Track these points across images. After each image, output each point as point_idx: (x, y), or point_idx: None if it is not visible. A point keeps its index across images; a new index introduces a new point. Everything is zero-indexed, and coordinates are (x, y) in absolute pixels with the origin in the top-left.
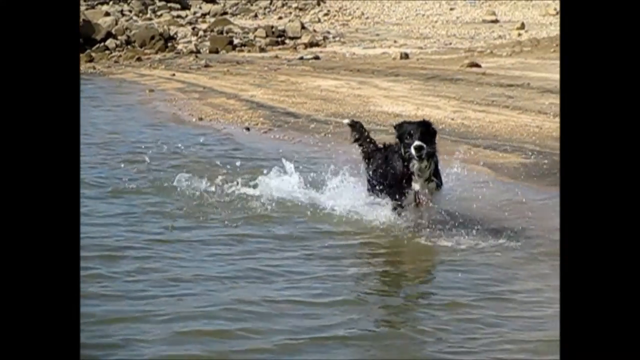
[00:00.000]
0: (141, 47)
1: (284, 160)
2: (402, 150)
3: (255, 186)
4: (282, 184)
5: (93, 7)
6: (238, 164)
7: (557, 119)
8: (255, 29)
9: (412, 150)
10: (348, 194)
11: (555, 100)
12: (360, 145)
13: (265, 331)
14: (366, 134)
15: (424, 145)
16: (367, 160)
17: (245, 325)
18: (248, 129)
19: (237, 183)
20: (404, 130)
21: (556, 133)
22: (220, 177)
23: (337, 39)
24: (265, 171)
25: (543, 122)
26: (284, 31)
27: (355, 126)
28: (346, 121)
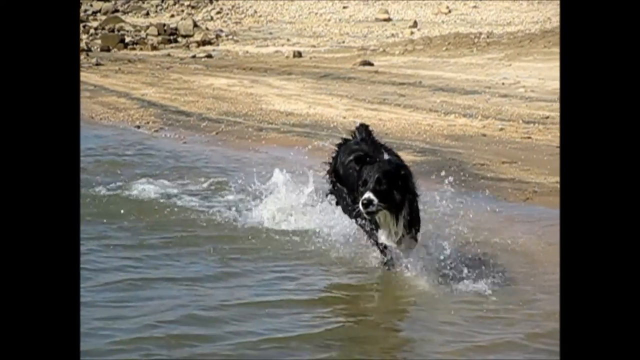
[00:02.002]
0: None
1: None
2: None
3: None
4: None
5: None
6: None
7: (448, 117)
8: (147, 27)
9: (360, 206)
10: None
11: (447, 98)
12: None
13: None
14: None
15: (374, 200)
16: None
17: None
18: (138, 127)
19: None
20: (360, 170)
21: (447, 131)
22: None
23: (230, 37)
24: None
25: (434, 120)
26: (176, 29)
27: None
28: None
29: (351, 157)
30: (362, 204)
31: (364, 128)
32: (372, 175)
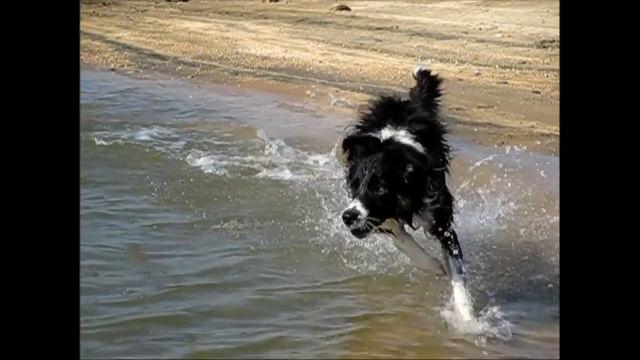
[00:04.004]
0: None
1: None
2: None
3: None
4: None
5: None
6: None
7: (425, 62)
8: None
9: (341, 220)
10: None
11: (424, 43)
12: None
13: None
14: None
15: (361, 213)
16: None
17: None
18: (114, 70)
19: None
20: (353, 164)
21: None
22: None
23: None
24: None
25: (411, 65)
26: None
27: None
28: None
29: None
30: (344, 218)
31: (425, 76)
32: (365, 173)
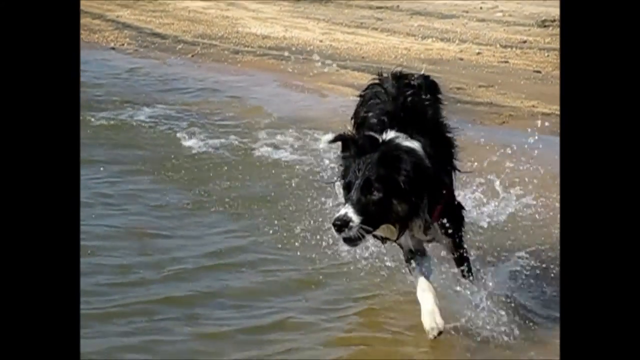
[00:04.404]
0: None
1: None
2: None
3: None
4: None
5: None
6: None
7: (425, 41)
8: None
9: (332, 227)
10: None
11: (424, 22)
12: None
13: None
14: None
15: (353, 219)
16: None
17: None
18: (114, 48)
19: None
20: (346, 163)
21: (424, 55)
22: None
23: None
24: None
25: (411, 44)
26: None
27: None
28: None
29: (331, 138)
30: (334, 225)
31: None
32: (358, 175)
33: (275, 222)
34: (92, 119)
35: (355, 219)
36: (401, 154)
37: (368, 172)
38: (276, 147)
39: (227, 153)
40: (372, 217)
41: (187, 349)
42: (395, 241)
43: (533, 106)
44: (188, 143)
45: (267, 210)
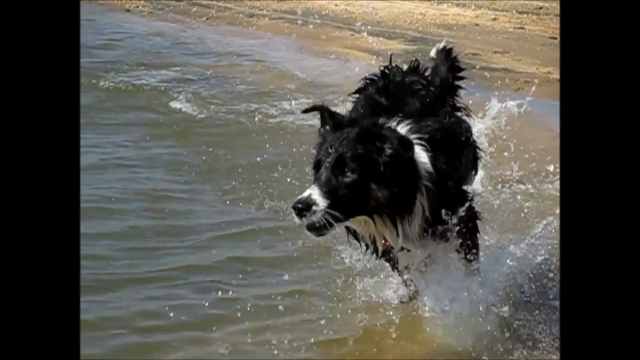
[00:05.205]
0: None
1: None
2: None
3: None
4: None
5: None
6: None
7: (441, 6)
8: None
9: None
10: None
11: None
12: None
13: None
14: None
15: (319, 203)
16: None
17: None
18: (129, 10)
19: None
20: (320, 144)
21: (439, 20)
22: None
23: None
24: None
25: (427, 9)
26: None
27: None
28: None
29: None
30: (294, 208)
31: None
32: (330, 152)
33: (293, 189)
34: (106, 82)
35: (321, 202)
36: (383, 130)
37: (342, 149)
38: (294, 113)
39: (244, 119)
40: (342, 202)
41: (204, 314)
42: (390, 249)
43: (548, 72)
44: (205, 107)
45: (285, 176)
